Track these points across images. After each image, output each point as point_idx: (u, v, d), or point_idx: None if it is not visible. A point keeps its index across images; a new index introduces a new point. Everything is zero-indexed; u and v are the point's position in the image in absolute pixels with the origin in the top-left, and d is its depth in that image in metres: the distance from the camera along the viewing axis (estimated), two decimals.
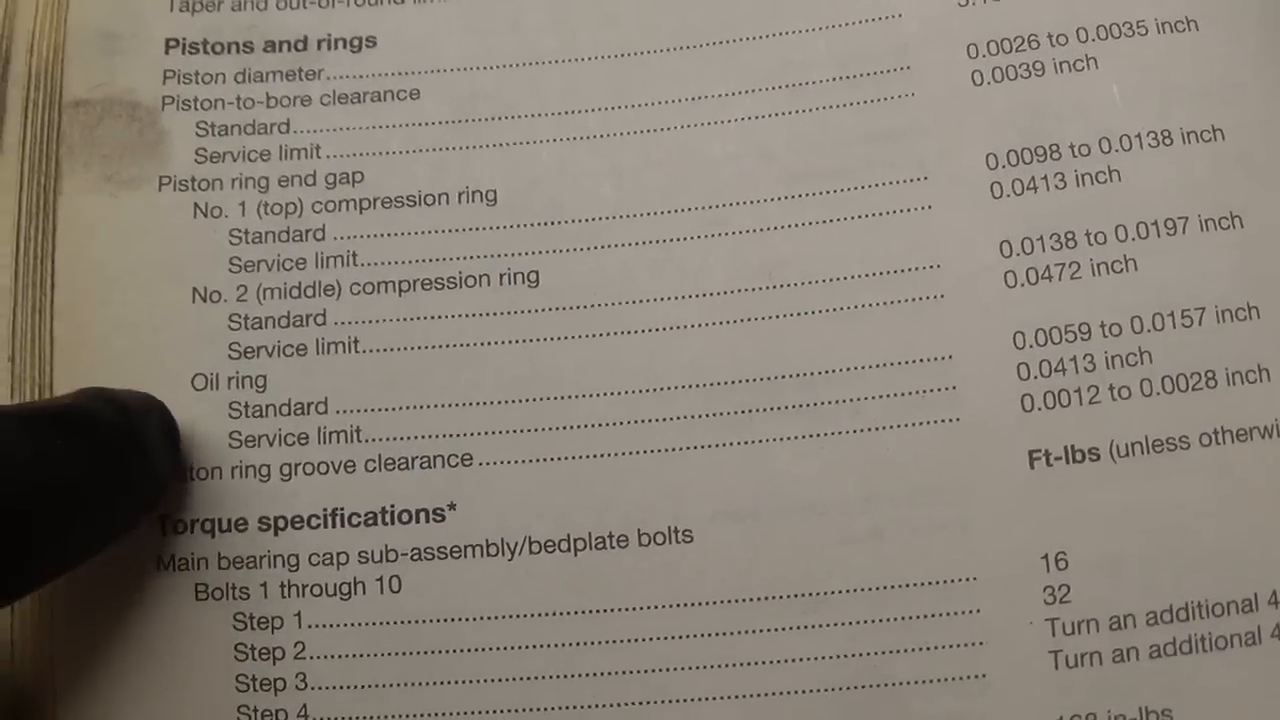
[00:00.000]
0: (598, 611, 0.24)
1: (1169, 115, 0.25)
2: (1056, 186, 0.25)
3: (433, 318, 0.25)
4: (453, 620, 0.25)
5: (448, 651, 0.24)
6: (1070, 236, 0.25)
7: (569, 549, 0.25)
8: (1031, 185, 0.25)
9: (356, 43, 0.27)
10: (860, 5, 0.26)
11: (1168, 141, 0.25)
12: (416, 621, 0.25)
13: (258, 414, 0.25)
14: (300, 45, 0.27)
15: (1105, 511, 0.24)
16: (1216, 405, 0.24)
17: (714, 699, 0.24)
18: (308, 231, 0.26)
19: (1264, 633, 0.24)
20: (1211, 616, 0.24)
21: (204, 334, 0.25)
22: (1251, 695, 0.24)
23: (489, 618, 0.24)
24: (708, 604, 0.24)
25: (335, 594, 0.25)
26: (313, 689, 0.24)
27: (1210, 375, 0.24)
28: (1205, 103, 0.25)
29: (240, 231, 0.26)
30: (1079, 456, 0.24)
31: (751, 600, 0.24)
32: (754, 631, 0.24)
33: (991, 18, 0.26)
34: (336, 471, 0.25)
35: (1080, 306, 0.25)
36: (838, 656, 0.24)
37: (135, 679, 0.24)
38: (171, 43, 0.27)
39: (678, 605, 0.24)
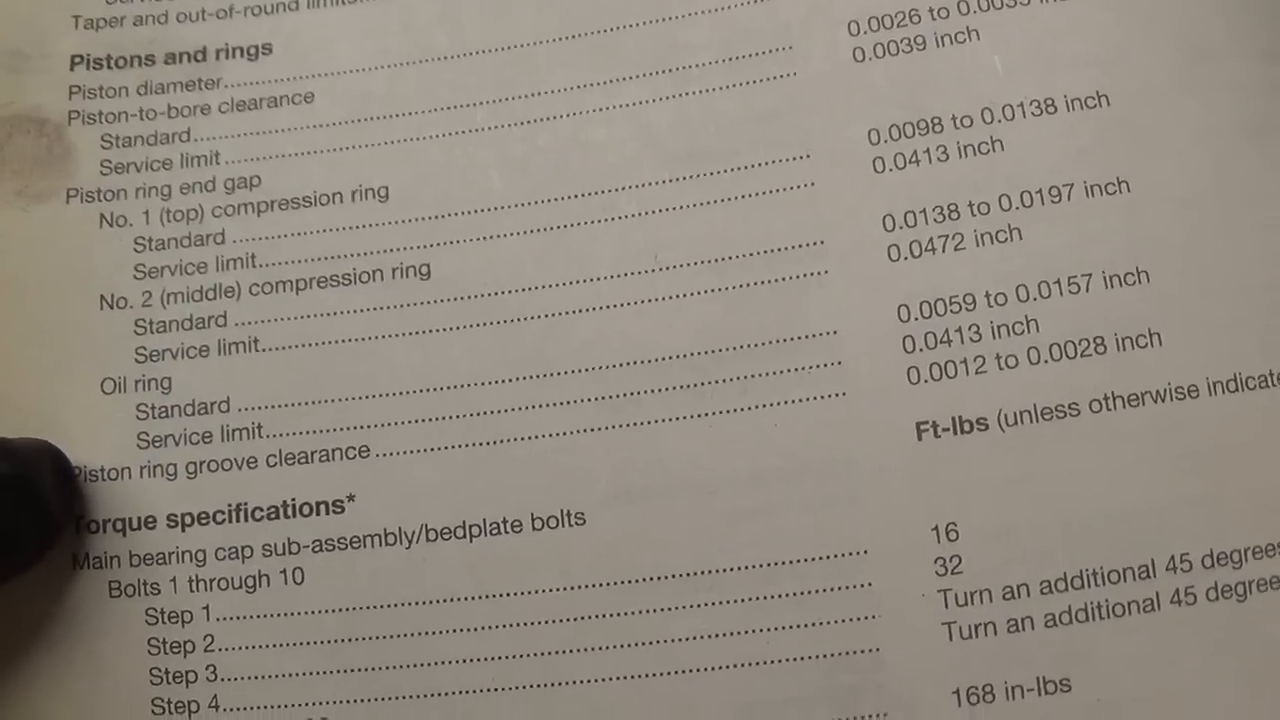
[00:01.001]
0: (495, 596, 0.25)
1: (1053, 83, 0.26)
2: (939, 159, 0.26)
3: (329, 314, 0.26)
4: (355, 609, 0.25)
5: (351, 640, 0.25)
6: (953, 208, 0.25)
7: (465, 536, 0.25)
8: (914, 159, 0.26)
9: (253, 51, 0.28)
10: None
11: (1051, 110, 0.25)
12: (320, 611, 0.25)
13: (164, 414, 0.26)
14: (199, 56, 0.28)
15: (995, 481, 0.24)
16: (1106, 371, 0.25)
17: (611, 679, 0.25)
18: (208, 236, 0.27)
19: (1162, 599, 0.24)
20: (1108, 584, 0.24)
21: (111, 340, 0.26)
22: (1151, 662, 0.24)
23: (390, 605, 0.25)
24: (602, 585, 0.25)
25: (241, 587, 0.26)
26: (223, 680, 0.25)
27: (1099, 341, 0.25)
28: (1089, 69, 0.26)
29: (144, 239, 0.27)
30: (967, 427, 0.25)
31: (645, 580, 0.25)
32: (648, 611, 0.25)
33: None
34: (240, 468, 0.26)
35: (965, 277, 0.25)
36: (732, 634, 0.25)
37: (53, 674, 0.25)
38: (76, 59, 0.28)
39: (573, 588, 0.25)
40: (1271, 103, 0.25)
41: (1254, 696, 0.24)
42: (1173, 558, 0.24)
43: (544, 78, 0.27)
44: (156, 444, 0.26)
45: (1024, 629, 0.24)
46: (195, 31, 0.28)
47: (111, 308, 0.27)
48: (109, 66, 0.28)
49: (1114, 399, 0.24)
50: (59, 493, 0.25)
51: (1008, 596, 0.24)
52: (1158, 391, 0.24)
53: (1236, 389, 0.24)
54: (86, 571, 0.26)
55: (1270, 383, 0.24)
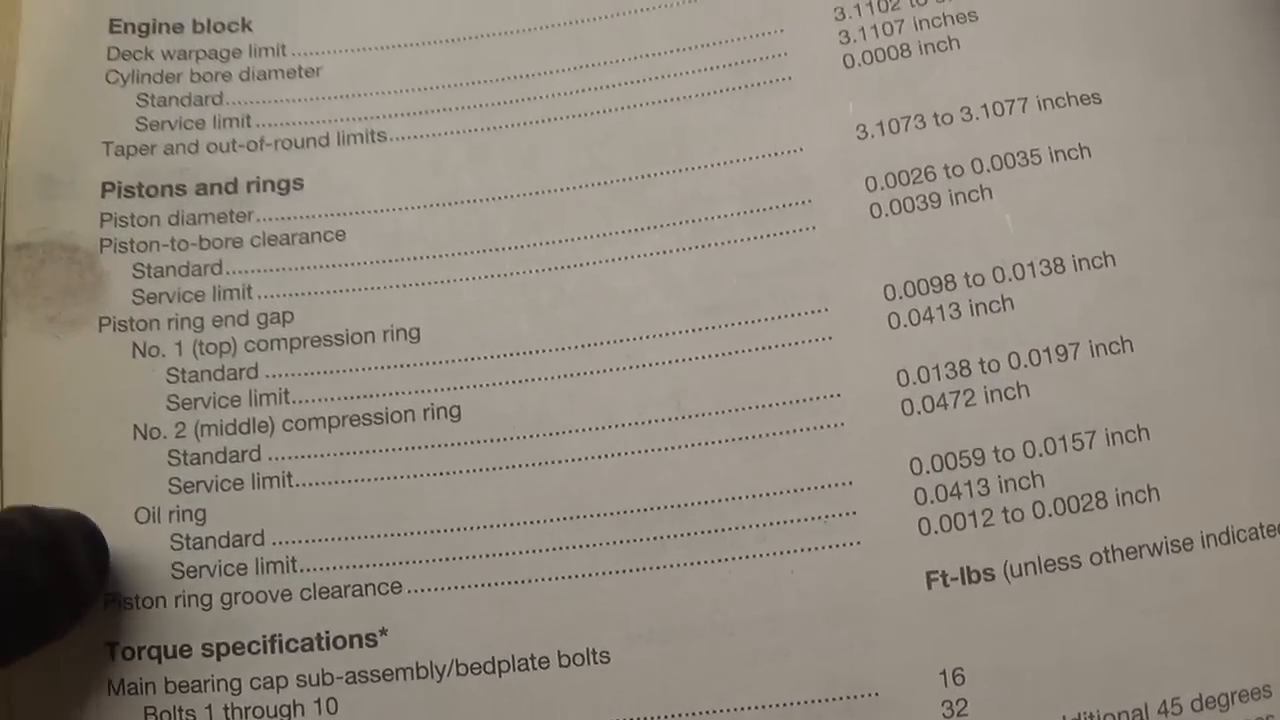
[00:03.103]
0: None
1: (1061, 243, 0.27)
2: (951, 316, 0.27)
3: (361, 453, 0.28)
4: None
5: None
6: (965, 365, 0.27)
7: (494, 670, 0.27)
8: (928, 315, 0.27)
9: (284, 185, 0.29)
10: (763, 139, 0.29)
11: (1060, 269, 0.27)
12: None
13: (198, 545, 0.28)
14: (230, 187, 0.29)
15: (1000, 628, 0.26)
16: (1106, 525, 0.27)
17: None
18: (241, 370, 0.28)
19: None
20: None
21: (145, 469, 0.28)
22: None
23: None
24: None
25: (276, 716, 0.27)
26: None
27: (1100, 496, 0.27)
28: (1097, 229, 0.27)
29: (177, 370, 0.28)
30: (975, 577, 0.27)
31: (666, 717, 0.27)
32: None
33: (889, 150, 0.28)
34: (274, 600, 0.27)
35: (975, 433, 0.27)
36: None
37: None
38: (108, 186, 0.29)
39: None
40: (1270, 258, 0.27)
41: None
42: (1164, 701, 0.26)
43: (570, 223, 0.29)
44: (191, 574, 0.28)
45: None
46: (226, 162, 0.29)
47: (145, 438, 0.28)
48: (140, 195, 0.29)
49: (1113, 551, 0.26)
50: (91, 564, 0.27)
51: None
52: (1154, 544, 0.26)
53: (1228, 541, 0.26)
54: (121, 698, 0.27)
55: (1260, 535, 0.27)
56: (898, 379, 0.27)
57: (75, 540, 0.26)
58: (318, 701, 0.27)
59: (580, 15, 0.30)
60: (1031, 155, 0.28)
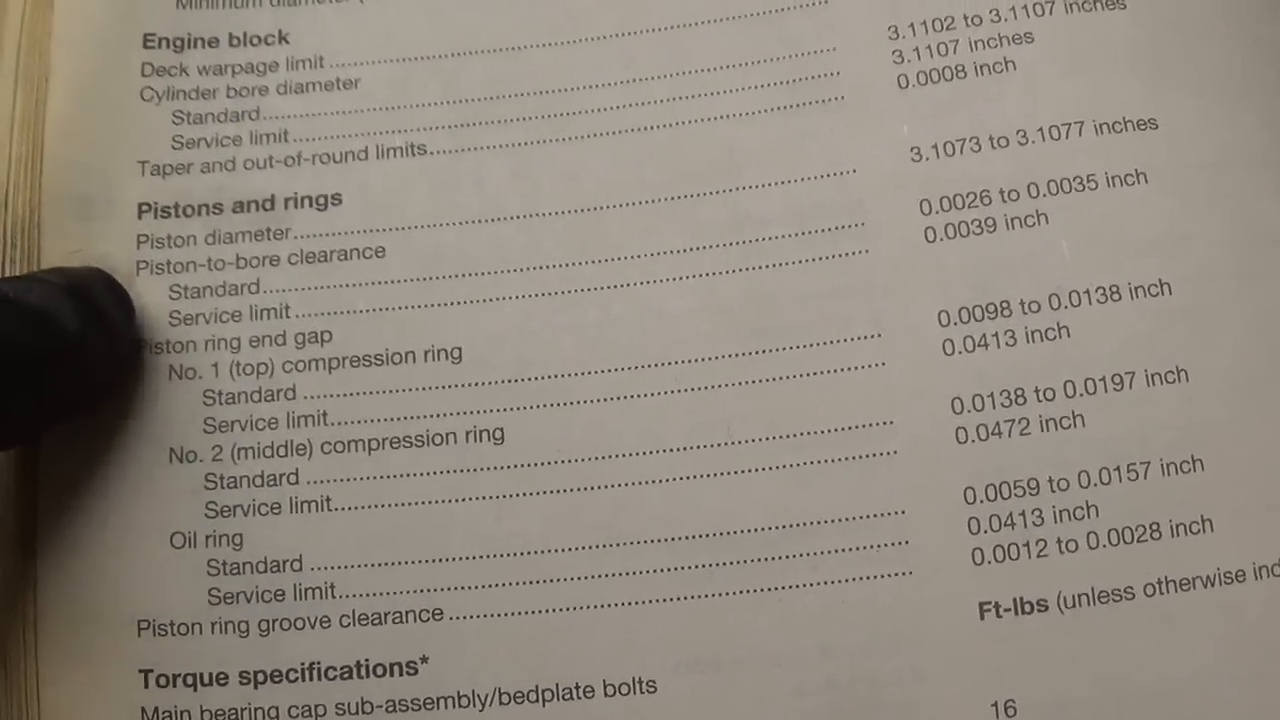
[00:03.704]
0: None
1: (1118, 270, 0.27)
2: (1007, 344, 0.27)
3: (402, 476, 0.27)
4: None
5: None
6: (1020, 393, 0.27)
7: (538, 700, 0.27)
8: (983, 342, 0.27)
9: (322, 201, 0.29)
10: (815, 160, 0.28)
11: (1116, 297, 0.27)
12: None
13: (235, 571, 0.27)
14: (268, 205, 0.29)
15: (1052, 660, 0.26)
16: (1160, 556, 0.26)
17: None
18: (279, 391, 0.28)
19: None
20: None
21: (181, 493, 0.28)
22: None
23: None
24: None
25: None
26: None
27: (1155, 527, 0.26)
28: (1153, 257, 0.27)
29: (214, 392, 0.28)
30: (1028, 608, 0.26)
31: None
32: None
33: (944, 174, 0.28)
34: (313, 627, 0.27)
35: (1029, 463, 0.27)
36: None
37: None
38: (144, 207, 0.29)
39: None
40: None
41: None
42: None
43: (616, 243, 0.28)
44: (228, 600, 0.27)
45: None
46: (263, 179, 0.29)
47: (181, 461, 0.28)
48: (176, 215, 0.29)
49: (1167, 583, 0.26)
50: (119, 307, 0.27)
51: None
52: (1208, 576, 0.26)
53: None
54: None
55: None
56: (952, 406, 0.27)
57: (100, 287, 0.27)
58: None
59: (628, 28, 0.29)
60: (1088, 180, 0.28)
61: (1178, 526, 0.26)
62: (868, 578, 0.27)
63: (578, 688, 0.27)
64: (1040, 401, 0.27)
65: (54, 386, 0.26)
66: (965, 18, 0.29)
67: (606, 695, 0.27)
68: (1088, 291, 0.27)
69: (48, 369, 0.25)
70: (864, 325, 0.27)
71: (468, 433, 0.28)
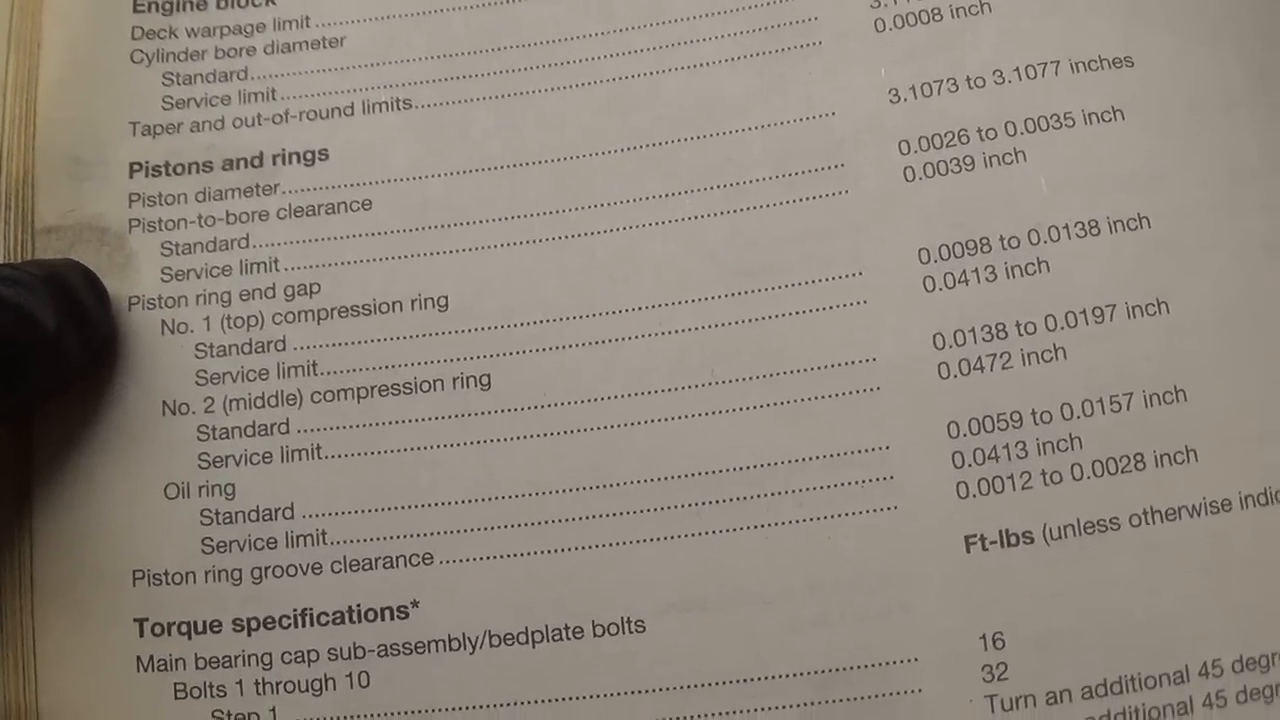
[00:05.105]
0: (556, 700, 0.27)
1: (1096, 205, 0.28)
2: (987, 279, 0.28)
3: (391, 423, 0.28)
4: (419, 712, 0.27)
5: None
6: (1001, 328, 0.28)
7: (527, 641, 0.27)
8: (963, 278, 0.28)
9: (310, 156, 0.30)
10: (794, 104, 0.29)
11: (1095, 231, 0.28)
12: (385, 714, 0.27)
13: (228, 520, 0.28)
14: (257, 162, 0.30)
15: (1040, 592, 0.27)
16: (1145, 487, 0.27)
17: None
18: (269, 343, 0.29)
19: (1195, 702, 0.26)
20: (1144, 689, 0.26)
21: (174, 446, 0.28)
22: None
23: (453, 709, 0.27)
24: (661, 690, 0.27)
25: (308, 690, 0.28)
26: None
27: (1139, 458, 0.27)
28: (1131, 191, 0.28)
29: (205, 346, 0.29)
30: (1013, 540, 0.27)
31: (703, 686, 0.27)
32: (706, 716, 0.27)
33: (922, 114, 0.29)
34: (305, 573, 0.28)
35: (1012, 395, 0.27)
36: None
37: None
38: (135, 166, 0.29)
39: (633, 693, 0.27)
40: None
41: None
42: (1205, 663, 0.26)
43: (600, 189, 0.29)
44: (221, 549, 0.28)
45: None
46: (252, 137, 0.30)
47: (174, 414, 0.28)
48: (167, 173, 0.29)
49: (1152, 513, 0.27)
50: (93, 300, 0.28)
51: (1051, 701, 0.27)
52: (1193, 506, 0.27)
53: (1267, 502, 0.27)
54: (150, 674, 0.28)
55: None
56: (934, 342, 0.28)
57: (76, 280, 0.27)
58: (349, 675, 0.27)
59: None
60: (1065, 118, 0.28)
61: (1162, 457, 0.27)
62: (854, 513, 0.27)
63: (567, 629, 0.27)
64: (1021, 335, 0.27)
65: (30, 376, 0.27)
66: None
67: (595, 635, 0.27)
68: (1067, 226, 0.28)
69: (20, 359, 0.26)
70: (845, 264, 0.28)
71: (455, 379, 0.28)
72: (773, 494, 0.27)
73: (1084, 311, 0.27)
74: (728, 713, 0.27)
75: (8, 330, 0.26)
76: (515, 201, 0.29)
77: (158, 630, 0.28)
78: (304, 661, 0.28)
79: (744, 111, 0.29)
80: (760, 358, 0.28)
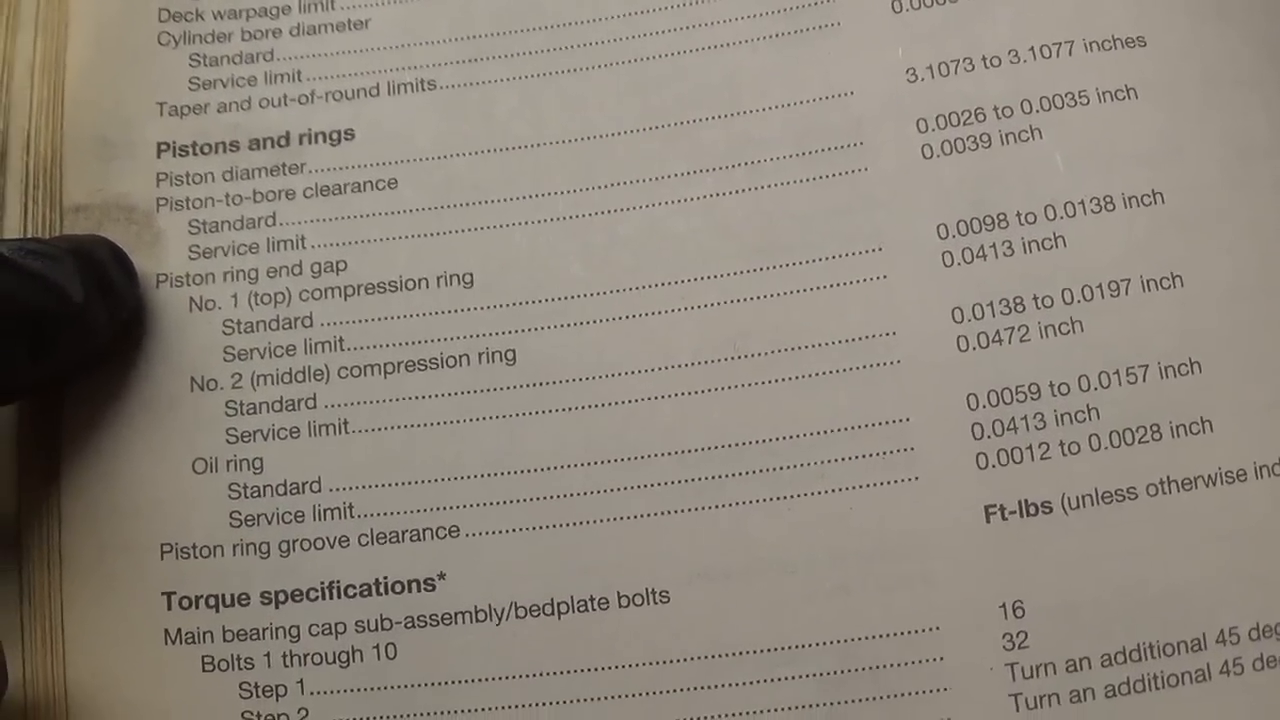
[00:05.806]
0: (581, 671, 0.28)
1: (1111, 181, 0.28)
2: (1004, 254, 0.28)
3: (417, 398, 0.29)
4: (446, 684, 0.28)
5: (443, 713, 0.28)
6: (1019, 301, 0.28)
7: (553, 612, 0.28)
8: (981, 253, 0.28)
9: (335, 136, 0.30)
10: (814, 83, 0.30)
11: (1110, 207, 0.28)
12: (412, 686, 0.28)
13: (255, 494, 0.28)
14: (283, 141, 0.30)
15: (1059, 561, 0.27)
16: (1162, 457, 0.27)
17: None
18: (296, 319, 0.29)
19: (1213, 670, 0.27)
20: (1163, 656, 0.27)
21: (202, 421, 0.29)
22: None
23: (480, 680, 0.28)
24: (686, 660, 0.28)
25: (335, 662, 0.28)
26: None
27: (1155, 429, 0.28)
28: (1145, 168, 0.28)
29: (233, 322, 0.29)
30: (1032, 510, 0.27)
31: (726, 656, 0.28)
32: (729, 685, 0.27)
33: (939, 93, 0.29)
34: (332, 547, 0.28)
35: (1030, 368, 0.28)
36: (809, 706, 0.27)
37: None
38: (163, 146, 0.30)
39: (657, 663, 0.28)
40: None
41: None
42: (1222, 631, 0.27)
43: (622, 168, 0.30)
44: (249, 523, 0.28)
45: (1086, 699, 0.27)
46: (278, 117, 0.30)
47: (202, 389, 0.29)
48: (195, 153, 0.30)
49: (1169, 483, 0.27)
50: (121, 275, 0.28)
51: (1071, 669, 0.27)
52: (1209, 476, 0.27)
53: None
54: (179, 647, 0.28)
55: None
56: (952, 316, 0.28)
57: (103, 254, 0.28)
58: (376, 647, 0.28)
59: None
60: (1080, 96, 0.29)
61: (1178, 427, 0.28)
62: (875, 485, 0.28)
63: (592, 600, 0.28)
64: (1039, 309, 0.28)
65: (57, 347, 0.27)
66: None
67: (620, 606, 0.28)
68: (1082, 202, 0.28)
69: (47, 330, 0.27)
70: (865, 240, 0.29)
71: (480, 354, 0.29)
72: (795, 466, 0.28)
73: (1100, 285, 0.28)
74: (751, 682, 0.27)
75: (34, 300, 0.26)
76: (539, 180, 0.30)
77: (185, 603, 0.28)
78: (331, 634, 0.28)
79: (764, 91, 0.30)
80: (781, 332, 0.28)
